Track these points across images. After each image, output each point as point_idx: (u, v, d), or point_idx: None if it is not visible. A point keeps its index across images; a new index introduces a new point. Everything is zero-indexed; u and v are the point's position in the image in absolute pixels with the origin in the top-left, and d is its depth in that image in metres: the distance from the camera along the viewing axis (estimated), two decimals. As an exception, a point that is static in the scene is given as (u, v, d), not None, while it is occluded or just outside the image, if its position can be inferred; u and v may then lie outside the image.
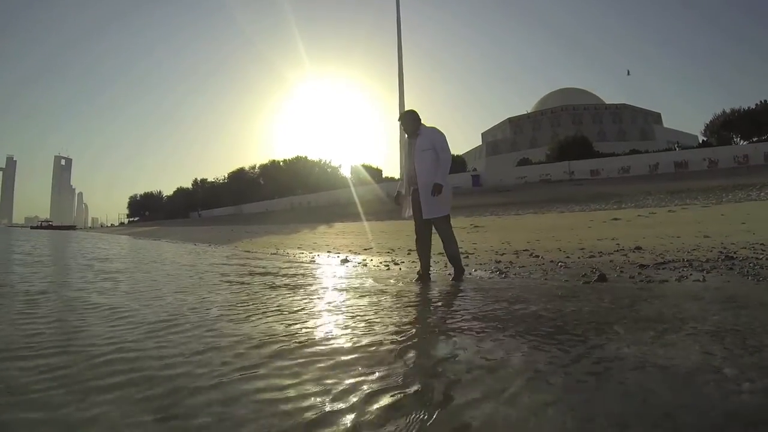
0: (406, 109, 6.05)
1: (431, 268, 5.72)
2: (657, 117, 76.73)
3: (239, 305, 4.05)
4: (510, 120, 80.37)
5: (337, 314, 3.58)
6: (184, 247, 15.30)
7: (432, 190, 5.30)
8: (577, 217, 15.42)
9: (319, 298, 4.41)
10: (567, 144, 50.86)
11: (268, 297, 4.50)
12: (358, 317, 3.42)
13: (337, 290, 4.85)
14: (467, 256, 7.48)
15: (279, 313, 3.66)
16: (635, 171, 39.45)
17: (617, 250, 6.91)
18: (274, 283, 5.50)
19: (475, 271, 5.95)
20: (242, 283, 5.66)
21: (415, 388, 1.94)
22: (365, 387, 1.95)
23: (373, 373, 2.14)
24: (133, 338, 2.91)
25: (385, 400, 1.80)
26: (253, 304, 4.13)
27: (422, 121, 5.76)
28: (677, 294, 3.80)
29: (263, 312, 3.70)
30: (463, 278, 5.41)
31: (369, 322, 3.23)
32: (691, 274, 4.63)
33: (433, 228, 5.62)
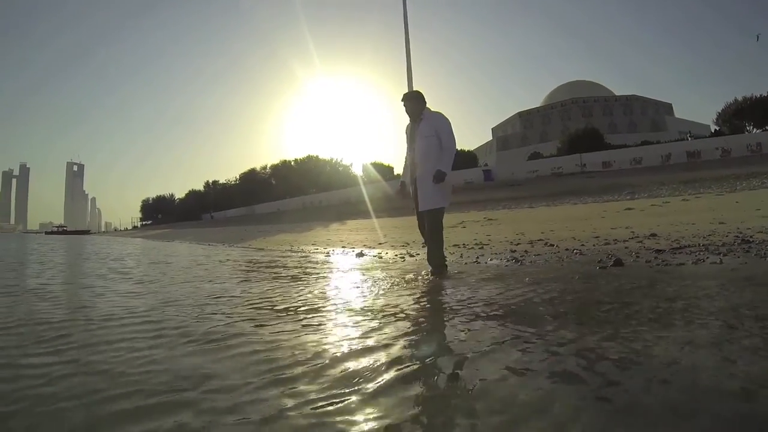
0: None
1: (446, 259, 5.29)
2: (668, 108, 76.09)
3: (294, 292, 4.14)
4: (520, 114, 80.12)
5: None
6: (213, 248, 15.41)
7: (433, 176, 4.99)
8: (590, 208, 15.37)
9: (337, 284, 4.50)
10: (578, 137, 50.49)
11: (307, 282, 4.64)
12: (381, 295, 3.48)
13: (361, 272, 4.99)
14: (482, 247, 7.52)
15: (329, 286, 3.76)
16: (647, 162, 39.08)
17: (632, 238, 6.88)
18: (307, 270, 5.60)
19: (491, 260, 5.96)
20: (276, 275, 5.76)
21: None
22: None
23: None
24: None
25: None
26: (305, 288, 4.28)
27: (428, 105, 5.38)
28: (695, 275, 3.82)
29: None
30: (446, 275, 4.91)
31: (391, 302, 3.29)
32: (707, 257, 4.63)
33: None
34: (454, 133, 5.23)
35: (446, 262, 5.25)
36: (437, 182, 4.99)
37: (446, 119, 5.21)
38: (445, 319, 2.89)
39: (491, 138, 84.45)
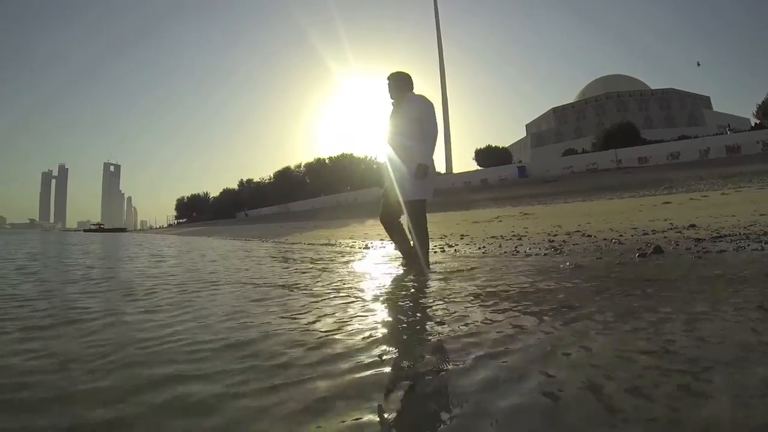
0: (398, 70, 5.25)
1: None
2: (706, 101, 74.19)
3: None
4: (554, 110, 79.22)
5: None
6: (273, 244, 15.75)
7: (415, 173, 4.70)
8: (626, 202, 15.21)
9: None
10: (613, 132, 49.72)
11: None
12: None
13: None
14: (520, 238, 7.60)
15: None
16: (685, 157, 38.25)
17: (670, 228, 6.84)
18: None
19: (530, 249, 6.05)
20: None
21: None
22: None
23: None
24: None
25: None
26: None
27: (415, 90, 5.12)
28: (737, 261, 3.86)
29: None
30: (425, 274, 4.45)
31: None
32: (749, 245, 4.65)
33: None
34: (437, 118, 4.94)
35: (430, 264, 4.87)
36: (420, 178, 4.71)
37: (429, 103, 4.94)
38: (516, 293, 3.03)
39: (525, 134, 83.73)
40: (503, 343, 1.90)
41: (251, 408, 1.35)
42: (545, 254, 5.45)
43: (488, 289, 3.21)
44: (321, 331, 2.24)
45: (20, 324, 2.61)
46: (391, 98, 5.10)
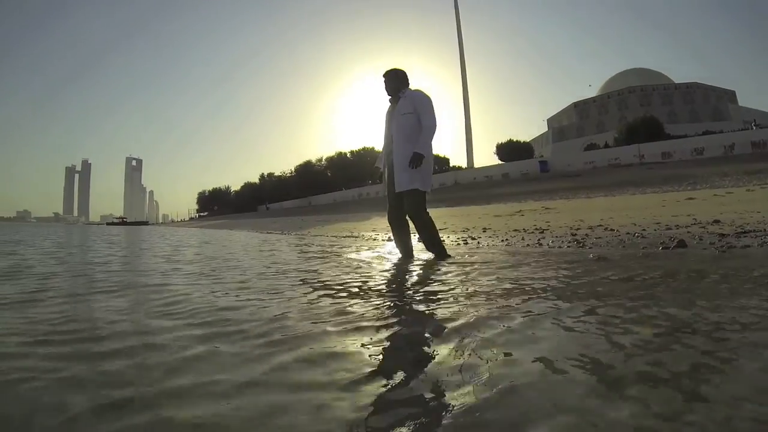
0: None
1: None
2: (731, 95, 72.80)
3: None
4: (575, 104, 78.48)
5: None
6: (296, 238, 15.96)
7: (410, 160, 4.71)
8: (649, 198, 15.12)
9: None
10: (636, 127, 49.17)
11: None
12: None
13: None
14: (542, 232, 7.66)
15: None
16: (709, 152, 37.72)
17: (694, 224, 6.83)
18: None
19: (552, 242, 6.11)
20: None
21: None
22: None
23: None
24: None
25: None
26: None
27: (411, 86, 5.16)
28: (761, 255, 3.90)
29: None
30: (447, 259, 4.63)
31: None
32: (774, 240, 4.67)
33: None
34: (435, 112, 4.93)
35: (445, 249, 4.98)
36: (414, 166, 4.72)
37: (427, 96, 4.95)
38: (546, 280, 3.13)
39: (547, 129, 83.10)
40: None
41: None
42: (568, 247, 5.51)
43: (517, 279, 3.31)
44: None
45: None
46: (388, 95, 5.19)
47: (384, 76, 5.20)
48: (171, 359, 1.58)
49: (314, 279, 3.65)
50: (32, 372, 1.46)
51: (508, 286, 2.94)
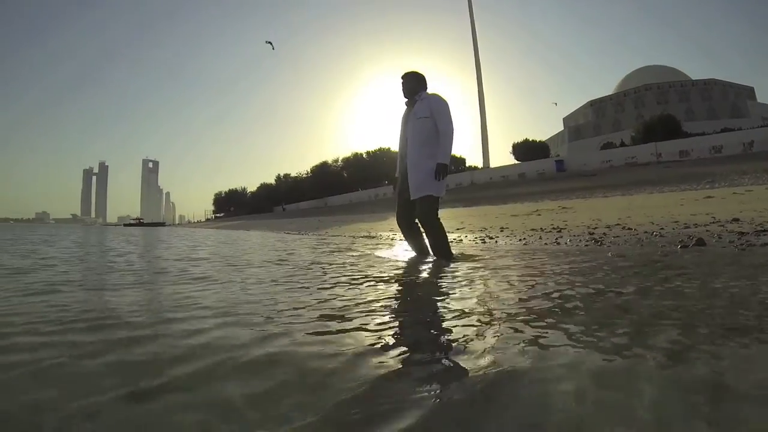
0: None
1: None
2: (750, 92, 71.66)
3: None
4: (591, 103, 77.86)
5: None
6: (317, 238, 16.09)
7: (436, 172, 4.66)
8: (667, 197, 15.02)
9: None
10: (653, 125, 48.65)
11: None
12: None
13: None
14: (560, 230, 7.69)
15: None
16: (728, 150, 37.20)
17: (713, 222, 6.81)
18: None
19: (570, 240, 6.15)
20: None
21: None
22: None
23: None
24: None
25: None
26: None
27: (429, 90, 5.09)
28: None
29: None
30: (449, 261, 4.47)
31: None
32: (794, 238, 4.68)
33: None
34: (452, 116, 4.85)
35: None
36: (440, 178, 4.69)
37: (444, 100, 4.89)
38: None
39: (563, 128, 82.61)
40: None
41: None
42: (586, 245, 5.55)
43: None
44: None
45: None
46: (405, 97, 5.13)
47: (402, 78, 5.16)
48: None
49: (355, 273, 3.73)
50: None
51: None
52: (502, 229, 8.93)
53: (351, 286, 3.09)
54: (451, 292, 2.76)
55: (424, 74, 5.15)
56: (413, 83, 5.07)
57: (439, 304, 2.45)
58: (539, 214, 12.24)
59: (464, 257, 4.72)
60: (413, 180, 4.83)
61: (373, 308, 2.32)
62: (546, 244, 6.07)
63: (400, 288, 3.09)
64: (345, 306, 2.38)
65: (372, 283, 3.25)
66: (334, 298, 2.63)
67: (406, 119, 5.08)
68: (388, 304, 2.47)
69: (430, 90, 5.10)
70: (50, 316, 2.17)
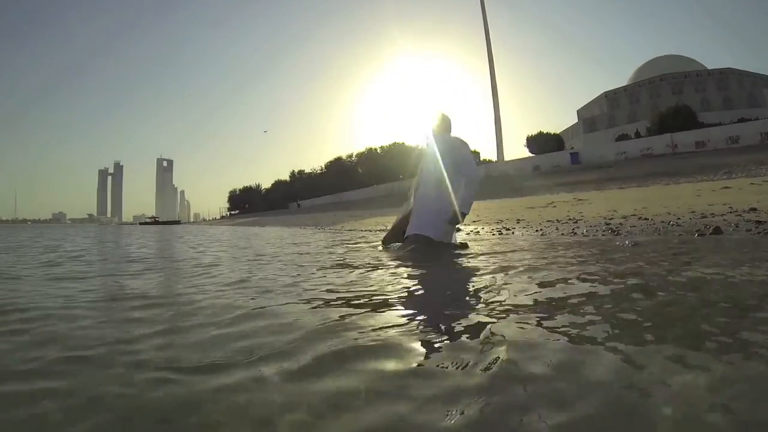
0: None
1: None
2: (767, 80, 70.64)
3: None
4: (606, 94, 77.02)
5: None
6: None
7: (452, 217, 4.53)
8: (683, 188, 14.95)
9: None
10: (668, 116, 48.11)
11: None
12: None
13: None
14: (576, 221, 7.74)
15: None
16: (745, 141, 36.66)
17: (730, 212, 6.84)
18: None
19: (586, 231, 6.20)
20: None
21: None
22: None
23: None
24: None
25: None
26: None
27: (452, 131, 5.04)
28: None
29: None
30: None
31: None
32: (811, 227, 4.70)
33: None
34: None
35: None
36: (454, 223, 4.62)
37: (465, 143, 4.82)
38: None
39: (577, 120, 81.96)
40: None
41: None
42: (603, 235, 5.60)
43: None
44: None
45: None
46: (431, 131, 5.01)
47: (436, 114, 5.08)
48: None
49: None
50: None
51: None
52: (518, 221, 9.00)
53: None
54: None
55: (451, 118, 5.11)
56: (442, 122, 5.04)
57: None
58: (555, 206, 12.25)
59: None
60: (424, 218, 4.66)
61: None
62: (563, 234, 6.13)
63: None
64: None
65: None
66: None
67: (426, 156, 4.95)
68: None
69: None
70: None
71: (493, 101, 68.14)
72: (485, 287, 2.48)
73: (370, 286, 2.71)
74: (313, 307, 2.13)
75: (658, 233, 5.32)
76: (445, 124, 5.06)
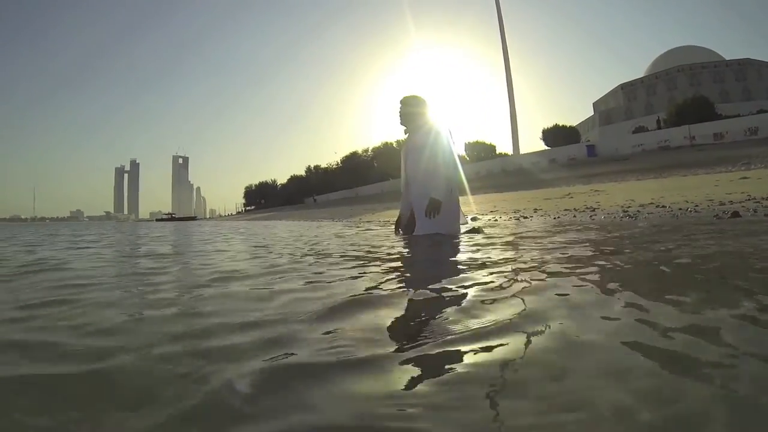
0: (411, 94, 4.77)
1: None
2: (788, 70, 69.38)
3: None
4: (622, 86, 76.11)
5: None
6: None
7: (426, 208, 4.32)
8: (701, 179, 14.87)
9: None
10: (686, 107, 47.49)
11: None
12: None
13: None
14: (593, 210, 7.80)
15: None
16: (764, 132, 36.06)
17: (748, 200, 6.88)
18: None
19: (604, 218, 6.27)
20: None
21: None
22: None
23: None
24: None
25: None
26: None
27: (427, 111, 4.68)
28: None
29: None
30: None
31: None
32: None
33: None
34: (453, 144, 4.55)
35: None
36: (431, 215, 4.34)
37: (444, 129, 4.55)
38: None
39: (593, 113, 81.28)
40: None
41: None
42: (621, 219, 5.67)
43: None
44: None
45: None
46: (401, 124, 4.79)
47: (400, 102, 4.74)
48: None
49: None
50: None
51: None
52: (535, 210, 9.08)
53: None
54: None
55: (425, 98, 4.75)
56: (409, 109, 4.72)
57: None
58: (572, 197, 12.30)
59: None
60: (420, 219, 4.53)
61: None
62: (581, 220, 6.21)
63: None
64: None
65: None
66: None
67: (406, 151, 4.78)
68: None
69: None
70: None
71: (509, 94, 67.76)
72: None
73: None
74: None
75: (676, 218, 5.38)
76: (421, 107, 4.72)
